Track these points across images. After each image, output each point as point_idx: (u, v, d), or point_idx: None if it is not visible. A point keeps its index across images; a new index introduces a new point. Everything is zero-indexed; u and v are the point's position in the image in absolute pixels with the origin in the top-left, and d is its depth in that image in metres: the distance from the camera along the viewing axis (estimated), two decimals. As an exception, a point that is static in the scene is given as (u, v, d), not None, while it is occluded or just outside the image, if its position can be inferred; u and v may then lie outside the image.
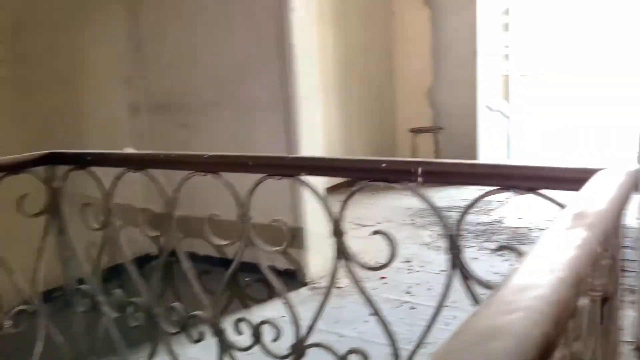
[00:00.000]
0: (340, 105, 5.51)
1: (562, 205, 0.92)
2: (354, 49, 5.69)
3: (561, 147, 6.85)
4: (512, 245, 1.75)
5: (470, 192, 3.01)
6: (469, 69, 5.46)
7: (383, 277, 3.16)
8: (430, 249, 3.59)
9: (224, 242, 1.49)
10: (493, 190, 1.12)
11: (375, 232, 1.30)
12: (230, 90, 3.19)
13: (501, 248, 1.40)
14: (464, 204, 1.21)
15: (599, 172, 0.97)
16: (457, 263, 1.18)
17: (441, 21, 5.98)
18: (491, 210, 4.42)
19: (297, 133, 2.97)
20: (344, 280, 3.48)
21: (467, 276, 1.17)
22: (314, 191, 1.33)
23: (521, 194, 1.09)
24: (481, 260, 3.38)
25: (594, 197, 0.82)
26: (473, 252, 3.46)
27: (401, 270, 3.31)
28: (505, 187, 1.11)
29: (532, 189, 1.08)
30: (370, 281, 3.18)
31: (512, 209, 4.39)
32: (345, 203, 1.30)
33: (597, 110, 6.61)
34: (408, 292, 3.01)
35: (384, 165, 1.24)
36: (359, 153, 5.81)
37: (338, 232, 1.32)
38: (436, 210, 1.21)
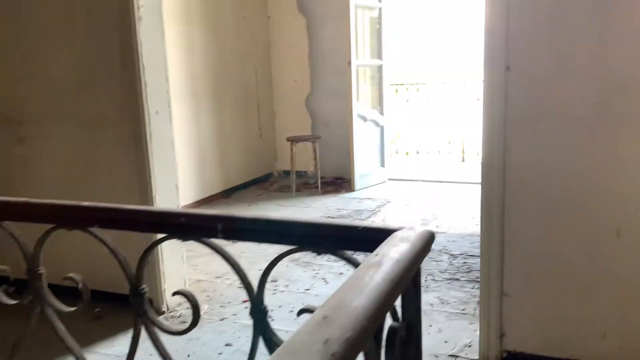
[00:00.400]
0: (214, 113, 5.30)
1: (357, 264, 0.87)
2: (229, 53, 5.51)
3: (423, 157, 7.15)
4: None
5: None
6: (343, 78, 5.49)
7: (245, 301, 3.02)
8: (298, 265, 3.52)
9: (11, 302, 1.27)
10: (293, 249, 1.03)
11: (175, 293, 1.15)
12: (72, 103, 2.89)
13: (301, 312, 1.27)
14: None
15: (395, 233, 0.91)
16: (259, 328, 1.07)
17: (316, 29, 5.98)
18: (363, 220, 4.45)
19: (148, 150, 2.75)
20: (203, 307, 3.32)
21: (270, 344, 1.06)
22: (108, 247, 1.16)
23: (322, 253, 1.00)
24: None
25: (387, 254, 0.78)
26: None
27: (266, 291, 3.19)
28: (307, 247, 1.03)
29: (333, 250, 1.00)
30: (232, 306, 3.04)
31: (382, 216, 4.47)
32: (142, 261, 1.13)
33: (461, 117, 6.96)
34: (269, 317, 2.90)
35: (182, 219, 1.09)
36: (235, 163, 5.64)
37: (137, 293, 1.15)
38: (239, 273, 1.09)
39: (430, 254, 3.57)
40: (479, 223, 3.82)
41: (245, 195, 5.55)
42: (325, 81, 6.04)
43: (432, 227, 4.13)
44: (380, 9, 5.58)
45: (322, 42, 5.97)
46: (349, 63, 5.32)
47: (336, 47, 5.85)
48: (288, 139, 5.48)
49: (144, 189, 2.77)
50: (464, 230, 4.08)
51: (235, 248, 3.69)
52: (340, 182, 5.92)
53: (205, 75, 5.16)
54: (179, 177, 4.93)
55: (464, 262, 3.40)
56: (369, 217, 4.54)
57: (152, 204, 2.79)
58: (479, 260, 3.28)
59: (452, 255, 3.55)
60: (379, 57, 5.67)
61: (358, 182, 5.55)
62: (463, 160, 7.01)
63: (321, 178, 6.04)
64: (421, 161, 7.12)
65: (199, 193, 5.14)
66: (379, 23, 5.61)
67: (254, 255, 3.36)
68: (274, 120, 6.36)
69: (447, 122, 7.05)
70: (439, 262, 3.42)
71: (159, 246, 2.40)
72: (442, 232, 4.03)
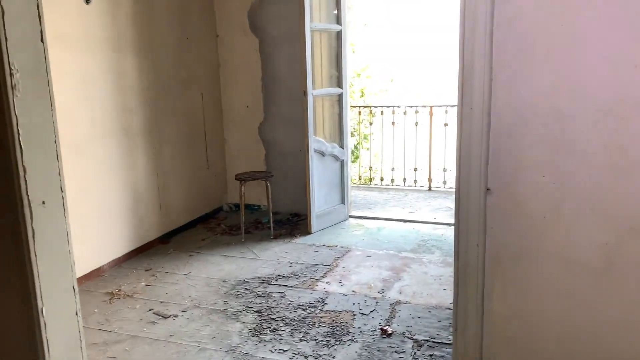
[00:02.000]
0: (150, 148, 4.68)
1: None
2: (169, 79, 4.89)
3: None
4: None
5: None
6: (300, 105, 4.96)
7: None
8: (236, 356, 2.97)
9: None
10: None
11: None
12: None
13: None
14: None
15: None
16: None
17: (270, 52, 5.41)
18: (317, 281, 3.93)
19: (30, 250, 2.15)
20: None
21: None
22: None
23: None
24: (293, 374, 2.85)
25: None
26: (285, 360, 2.91)
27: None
28: None
29: None
30: None
31: (340, 273, 3.96)
32: None
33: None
34: None
35: None
36: (177, 202, 5.03)
37: None
38: None
39: (391, 340, 3.08)
40: (447, 288, 3.33)
41: (188, 238, 4.95)
42: (280, 108, 5.48)
43: (394, 293, 3.64)
44: (339, 32, 5.04)
45: (276, 65, 5.41)
46: (305, 93, 4.77)
47: (292, 72, 5.31)
48: (236, 177, 4.91)
49: (26, 298, 2.17)
50: (430, 298, 3.60)
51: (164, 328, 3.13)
52: (296, 221, 5.37)
53: (140, 106, 4.53)
54: (110, 226, 4.39)
55: (431, 356, 2.91)
56: (325, 275, 4.02)
57: (39, 316, 2.19)
58: (449, 351, 2.80)
59: (416, 342, 3.05)
60: (339, 85, 5.14)
61: (315, 223, 5.03)
62: (430, 189, 6.56)
63: (275, 214, 5.50)
64: (385, 190, 6.64)
65: (133, 241, 4.53)
66: (339, 47, 5.07)
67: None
68: (223, 149, 5.77)
69: (413, 148, 6.59)
70: (400, 356, 2.92)
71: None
72: (405, 302, 3.54)
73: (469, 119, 1.69)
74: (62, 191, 2.20)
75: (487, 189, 1.51)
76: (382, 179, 6.81)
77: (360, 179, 6.94)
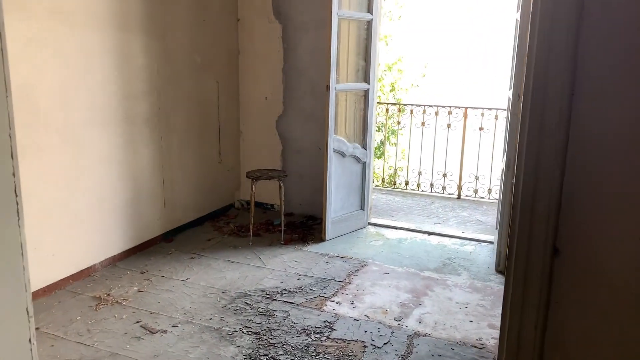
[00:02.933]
0: (156, 138, 4.31)
1: None
2: (182, 64, 4.50)
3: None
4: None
5: None
6: (321, 100, 4.52)
7: None
8: (225, 389, 2.58)
9: None
10: None
11: None
12: None
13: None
14: None
15: None
16: None
17: (293, 40, 4.97)
18: (326, 299, 3.51)
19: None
20: None
21: None
22: None
23: None
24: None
25: None
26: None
27: None
28: None
29: None
30: None
31: (353, 292, 3.53)
32: None
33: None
34: None
35: None
36: (183, 198, 4.66)
37: None
38: None
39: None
40: (473, 319, 2.89)
41: (193, 238, 4.57)
42: (300, 102, 5.05)
43: (412, 322, 3.20)
44: (370, 22, 4.57)
45: (299, 55, 4.97)
46: (327, 87, 4.33)
47: (315, 63, 4.86)
48: (248, 175, 4.50)
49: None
50: (454, 331, 3.14)
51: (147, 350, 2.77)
52: (311, 225, 4.95)
53: (147, 93, 4.15)
54: (106, 222, 4.00)
55: (451, 409, 2.46)
56: (336, 293, 3.60)
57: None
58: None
59: (435, 389, 2.61)
60: (366, 80, 4.67)
61: (330, 230, 4.60)
62: (459, 198, 6.07)
63: (289, 215, 5.09)
64: (410, 195, 6.16)
65: (132, 239, 4.17)
66: (369, 38, 4.60)
67: None
68: (238, 142, 5.37)
69: (443, 151, 6.10)
70: (415, 406, 2.48)
71: None
72: (424, 335, 3.09)
73: (534, 147, 1.24)
74: (16, 195, 1.80)
75: (555, 250, 1.08)
76: (407, 183, 6.33)
77: (383, 181, 6.47)
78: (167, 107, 4.37)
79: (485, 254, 4.36)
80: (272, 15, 4.97)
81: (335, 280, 3.79)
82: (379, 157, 8.06)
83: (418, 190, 6.27)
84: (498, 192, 5.59)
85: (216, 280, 3.75)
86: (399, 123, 6.32)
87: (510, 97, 3.88)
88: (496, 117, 5.79)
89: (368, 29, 4.59)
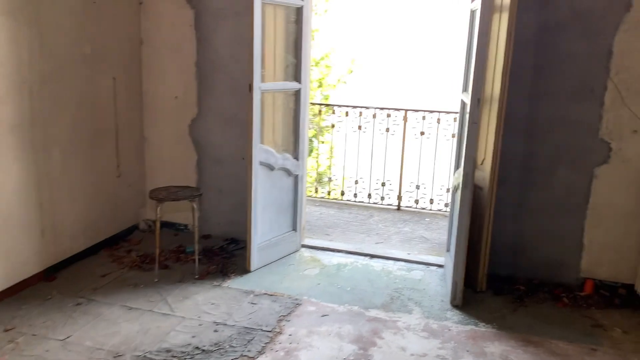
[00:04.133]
0: (30, 150, 3.35)
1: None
2: (66, 56, 3.56)
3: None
4: None
5: None
6: (244, 100, 3.72)
7: None
8: None
9: None
10: None
11: None
12: None
13: None
14: None
15: None
16: None
17: (208, 28, 4.13)
18: (252, 360, 2.75)
19: None
20: None
21: None
22: None
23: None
24: None
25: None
26: None
27: None
28: None
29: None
30: None
31: (285, 347, 2.79)
32: None
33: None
34: None
35: None
36: (70, 222, 3.72)
37: None
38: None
39: None
40: None
41: (84, 273, 3.66)
42: (219, 102, 4.23)
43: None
44: (301, 10, 3.83)
45: (217, 47, 4.14)
46: (251, 87, 3.55)
47: (236, 57, 4.06)
48: (152, 195, 3.64)
49: None
50: (414, 400, 2.48)
51: None
52: (233, 250, 4.16)
53: (13, 92, 3.19)
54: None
55: None
56: (263, 350, 2.84)
57: None
58: None
59: None
60: (297, 78, 3.93)
61: (256, 258, 3.83)
62: (399, 209, 5.48)
63: (205, 238, 4.28)
64: (346, 206, 5.50)
65: (1, 279, 3.21)
66: (300, 29, 3.86)
67: None
68: (142, 150, 4.47)
69: (382, 158, 5.50)
70: None
71: None
72: (378, 409, 2.42)
73: None
74: None
75: None
76: (342, 193, 5.67)
77: (316, 191, 5.76)
78: (44, 110, 3.42)
79: (436, 282, 3.77)
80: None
81: (262, 329, 3.04)
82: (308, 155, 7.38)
83: (355, 201, 5.63)
84: (447, 205, 5.09)
85: (107, 338, 2.89)
86: (333, 127, 5.63)
87: (468, 101, 3.30)
88: (438, 121, 5.25)
89: (298, 18, 3.85)
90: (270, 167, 3.83)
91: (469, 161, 3.23)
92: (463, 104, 3.71)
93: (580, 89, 3.54)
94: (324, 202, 5.63)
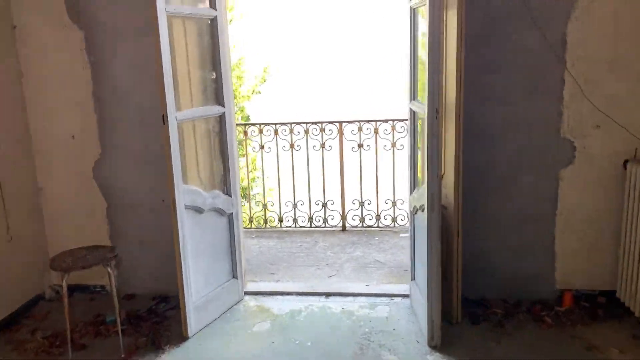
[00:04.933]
0: None
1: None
2: None
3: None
4: None
5: None
6: (156, 134, 3.07)
7: None
8: None
9: None
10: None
11: None
12: None
13: None
14: None
15: None
16: None
17: (105, 52, 3.45)
18: None
19: None
20: None
21: None
22: None
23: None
24: None
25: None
26: None
27: None
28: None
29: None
30: None
31: None
32: None
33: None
34: None
35: None
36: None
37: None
38: None
39: None
40: None
41: (-27, 374, 2.87)
42: (127, 138, 3.55)
43: None
44: (214, 21, 3.25)
45: (117, 73, 3.46)
46: (164, 118, 2.92)
47: (142, 83, 3.41)
48: (53, 265, 2.91)
49: None
50: None
51: None
52: (164, 312, 3.49)
53: None
54: None
55: None
56: None
57: None
58: None
59: None
60: (219, 100, 3.35)
61: (193, 321, 3.19)
62: (344, 230, 5.00)
63: (128, 299, 3.59)
64: (287, 234, 4.95)
65: None
66: (215, 44, 3.28)
67: None
68: (38, 204, 3.69)
69: (319, 176, 5.00)
70: None
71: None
72: None
73: None
74: None
75: None
76: (281, 220, 5.11)
77: (251, 221, 5.16)
78: None
79: (406, 318, 3.31)
80: (68, 17, 3.40)
81: (214, 421, 2.42)
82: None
83: (296, 227, 5.09)
84: (394, 219, 4.64)
85: None
86: (262, 147, 5.05)
87: (420, 111, 2.86)
88: (376, 131, 4.82)
89: (213, 30, 3.26)
90: (199, 210, 3.21)
91: (434, 180, 2.79)
92: (413, 113, 3.28)
93: (537, 84, 3.22)
94: (261, 233, 5.04)
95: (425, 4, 2.71)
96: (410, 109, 3.28)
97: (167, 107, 2.91)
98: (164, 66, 2.87)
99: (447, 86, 2.99)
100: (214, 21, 3.24)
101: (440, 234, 2.85)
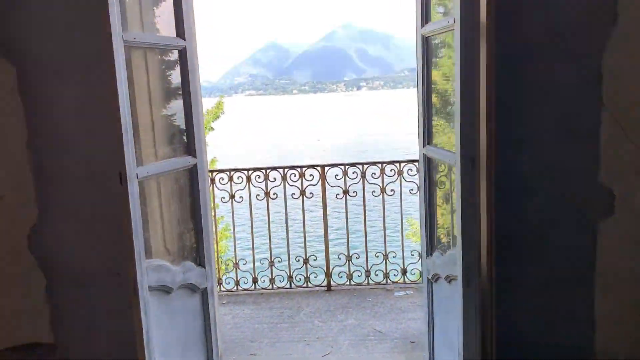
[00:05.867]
0: None
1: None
2: None
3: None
4: None
5: None
6: (110, 194, 2.38)
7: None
8: None
9: None
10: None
11: None
12: None
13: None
14: None
15: None
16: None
17: (41, 93, 2.76)
18: None
19: None
20: None
21: None
22: None
23: None
24: None
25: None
26: None
27: None
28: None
29: None
30: None
31: None
32: None
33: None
34: None
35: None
36: None
37: None
38: None
39: None
40: None
41: None
42: (71, 197, 2.82)
43: None
44: (184, 52, 2.63)
45: (58, 118, 2.76)
46: (122, 177, 2.25)
47: (91, 129, 2.73)
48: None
49: None
50: None
51: None
52: (122, 419, 2.73)
53: None
54: None
55: None
56: None
57: None
58: None
59: None
60: (189, 150, 2.70)
61: None
62: (329, 289, 4.37)
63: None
64: (263, 298, 4.27)
65: None
66: (184, 80, 2.65)
67: None
68: (-45, 285, 2.88)
69: (299, 227, 4.38)
70: None
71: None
72: None
73: None
74: None
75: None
76: (255, 281, 4.43)
77: (219, 284, 4.44)
78: None
79: (428, 411, 2.68)
80: (-6, 49, 2.70)
81: None
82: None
83: (273, 288, 4.41)
84: (387, 275, 3.97)
85: None
86: (232, 197, 4.38)
87: (454, 161, 2.32)
88: (363, 175, 4.27)
89: (182, 63, 2.64)
90: (167, 290, 2.52)
91: (470, 248, 2.22)
92: (427, 160, 2.74)
93: (569, 125, 2.74)
94: (232, 297, 4.34)
95: (451, 29, 2.19)
96: (425, 156, 2.73)
97: (126, 162, 2.25)
98: (120, 109, 2.22)
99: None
100: (182, 53, 2.62)
101: (479, 316, 2.28)
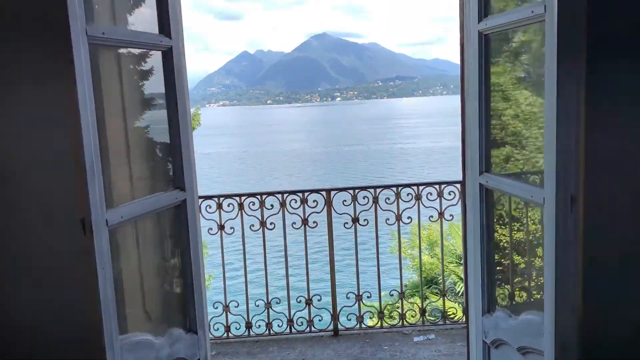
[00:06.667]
0: None
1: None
2: None
3: None
4: None
5: None
6: (70, 240, 1.72)
7: None
8: None
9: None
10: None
11: None
12: None
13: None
14: None
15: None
16: None
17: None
18: None
19: None
20: None
21: None
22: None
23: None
24: None
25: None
26: None
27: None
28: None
29: None
30: None
31: None
32: None
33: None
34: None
35: None
36: None
37: None
38: None
39: None
40: None
41: None
42: (20, 248, 2.13)
43: None
44: (169, 53, 1.99)
45: (3, 143, 2.08)
46: (84, 224, 1.59)
47: (44, 158, 2.04)
48: None
49: None
50: None
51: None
52: None
53: None
54: None
55: None
56: None
57: None
58: None
59: None
60: (177, 182, 2.05)
61: None
62: (336, 334, 3.74)
63: None
64: (257, 346, 3.61)
65: None
66: (170, 91, 2.01)
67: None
68: None
69: (301, 262, 3.75)
70: None
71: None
72: None
73: None
74: None
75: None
76: (249, 326, 3.76)
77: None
78: None
79: None
80: None
81: None
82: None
83: (269, 334, 3.75)
84: (403, 316, 3.30)
85: None
86: (222, 228, 3.72)
87: (543, 199, 1.73)
88: (375, 201, 3.66)
89: (167, 66, 2.00)
90: (151, 370, 1.86)
91: (567, 318, 1.63)
92: (484, 191, 2.14)
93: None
94: (222, 346, 3.66)
95: (538, 20, 1.61)
96: (482, 186, 2.13)
97: (91, 204, 1.60)
98: (83, 130, 1.58)
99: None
100: (167, 54, 1.98)
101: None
